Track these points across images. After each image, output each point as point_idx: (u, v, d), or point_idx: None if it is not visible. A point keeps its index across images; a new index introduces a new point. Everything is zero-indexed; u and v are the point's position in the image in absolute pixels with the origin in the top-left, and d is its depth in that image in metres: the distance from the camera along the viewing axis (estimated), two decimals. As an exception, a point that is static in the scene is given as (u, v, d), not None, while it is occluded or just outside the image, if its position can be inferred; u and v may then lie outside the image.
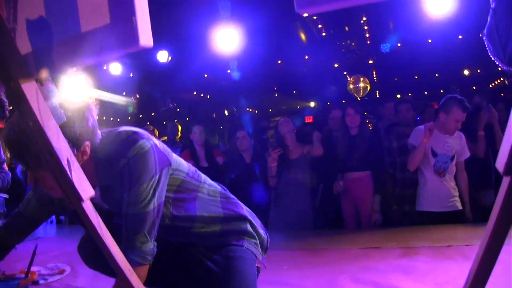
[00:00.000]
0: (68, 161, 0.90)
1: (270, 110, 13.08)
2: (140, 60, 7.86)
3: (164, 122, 9.67)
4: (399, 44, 9.26)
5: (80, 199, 0.90)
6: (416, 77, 11.14)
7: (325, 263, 2.87)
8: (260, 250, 1.89)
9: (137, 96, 10.83)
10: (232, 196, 1.95)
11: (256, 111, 12.16)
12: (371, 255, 2.97)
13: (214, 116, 12.56)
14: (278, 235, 3.02)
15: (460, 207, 3.86)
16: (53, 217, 6.55)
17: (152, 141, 1.61)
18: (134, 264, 1.47)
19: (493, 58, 1.21)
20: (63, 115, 0.98)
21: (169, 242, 1.77)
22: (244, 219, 1.90)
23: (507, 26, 1.09)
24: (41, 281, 2.71)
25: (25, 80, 0.92)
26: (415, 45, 8.83)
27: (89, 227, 0.92)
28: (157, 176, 1.58)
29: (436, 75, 10.87)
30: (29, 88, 0.91)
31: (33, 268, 2.36)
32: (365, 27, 9.10)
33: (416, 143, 3.82)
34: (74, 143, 1.41)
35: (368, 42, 9.74)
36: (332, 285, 2.37)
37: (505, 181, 0.86)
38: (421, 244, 3.13)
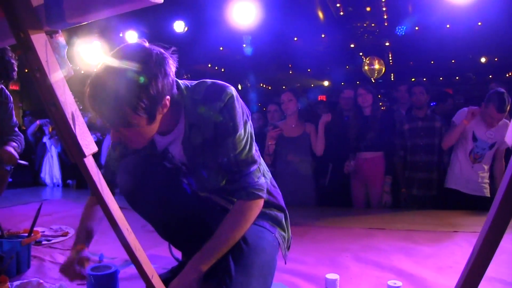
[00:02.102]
0: (72, 115, 0.89)
1: (284, 87, 13.00)
2: (156, 29, 7.82)
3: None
4: (416, 28, 9.12)
5: (82, 154, 0.90)
6: (432, 62, 10.99)
7: (327, 240, 2.88)
8: (285, 245, 1.90)
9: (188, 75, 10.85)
10: (276, 184, 1.94)
11: (270, 87, 12.14)
12: (375, 235, 2.97)
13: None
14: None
15: (488, 195, 3.82)
16: (60, 180, 6.68)
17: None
18: (255, 197, 1.59)
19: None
20: (71, 69, 0.97)
21: (214, 205, 1.78)
22: (283, 210, 1.90)
23: None
24: (44, 242, 2.76)
25: (35, 31, 0.91)
26: (433, 30, 8.70)
27: (90, 182, 0.92)
28: (249, 122, 1.63)
29: (453, 61, 10.73)
30: (38, 39, 0.90)
31: (37, 229, 2.38)
32: (384, 9, 8.96)
33: (458, 123, 3.82)
34: (156, 99, 1.38)
35: (386, 24, 9.61)
36: (333, 262, 2.38)
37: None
38: (427, 228, 3.12)
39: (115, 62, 1.30)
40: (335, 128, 4.51)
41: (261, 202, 1.64)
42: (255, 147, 1.66)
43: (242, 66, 10.79)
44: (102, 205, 0.93)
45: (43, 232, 2.96)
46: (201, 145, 1.61)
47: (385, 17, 9.20)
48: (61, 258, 2.42)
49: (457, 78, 9.73)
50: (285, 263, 1.94)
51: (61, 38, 0.97)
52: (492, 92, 3.73)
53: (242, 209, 1.60)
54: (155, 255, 2.40)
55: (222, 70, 11.74)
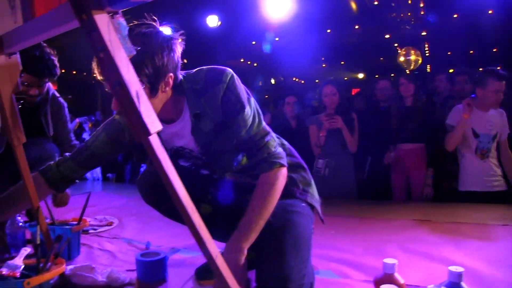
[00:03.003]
0: (137, 93, 0.89)
1: (317, 80, 12.91)
2: (190, 24, 7.86)
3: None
4: (455, 15, 8.85)
5: (147, 132, 0.90)
6: (471, 51, 10.65)
7: (372, 231, 2.84)
8: (319, 205, 1.87)
9: (185, 61, 10.89)
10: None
11: (303, 81, 12.07)
12: (421, 227, 2.90)
13: (260, 84, 12.52)
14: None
15: (506, 187, 3.67)
16: (100, 174, 6.82)
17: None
18: (277, 166, 1.61)
19: None
20: (132, 48, 0.98)
21: (238, 185, 1.79)
22: (303, 167, 1.88)
23: None
24: (91, 231, 2.83)
25: (97, 12, 0.91)
26: (473, 17, 8.40)
27: (155, 161, 0.92)
28: (252, 98, 1.66)
29: (494, 50, 10.36)
30: (101, 20, 0.91)
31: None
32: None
33: (454, 123, 3.64)
34: (160, 71, 1.44)
35: (422, 13, 9.38)
36: (380, 252, 2.33)
37: None
38: (474, 221, 3.03)
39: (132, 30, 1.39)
40: (372, 120, 4.45)
41: (283, 170, 1.64)
42: (263, 121, 1.68)
43: (275, 60, 10.74)
44: (167, 182, 0.94)
45: (89, 222, 3.03)
46: (213, 131, 1.64)
47: (421, 5, 8.97)
48: (109, 246, 2.48)
49: (498, 68, 9.40)
50: (323, 222, 1.91)
51: (121, 19, 0.98)
52: (479, 74, 3.63)
53: (267, 180, 1.61)
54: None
55: (255, 64, 11.72)
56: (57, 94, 3.00)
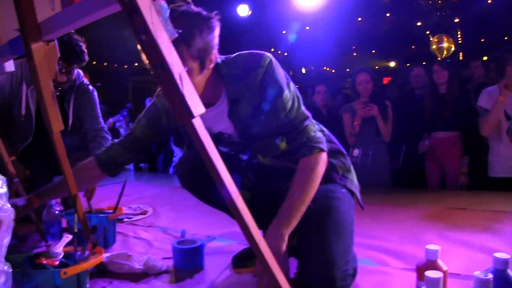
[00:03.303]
0: (180, 75, 0.88)
1: (348, 70, 12.75)
2: (220, 13, 7.84)
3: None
4: (489, 1, 8.59)
5: (191, 115, 0.89)
6: (506, 38, 10.33)
7: (408, 219, 2.79)
8: (358, 191, 1.85)
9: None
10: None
11: (333, 70, 11.97)
12: (458, 215, 2.85)
13: (291, 74, 12.45)
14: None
15: None
16: (131, 164, 6.87)
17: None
18: (317, 150, 1.60)
19: None
20: (174, 31, 0.97)
21: (277, 170, 1.77)
22: (342, 153, 1.86)
23: None
24: (126, 219, 2.86)
25: (139, -6, 0.91)
26: (508, 2, 8.15)
27: (198, 144, 0.91)
28: (291, 83, 1.66)
29: (530, 36, 10.03)
30: (143, 2, 0.90)
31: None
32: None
33: (487, 106, 3.47)
34: (207, 46, 1.48)
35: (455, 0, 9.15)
36: (418, 240, 2.29)
37: None
38: (510, 209, 2.94)
39: (175, 9, 1.42)
40: (407, 107, 4.36)
41: (323, 155, 1.63)
42: (303, 106, 1.67)
43: (305, 50, 10.65)
44: (211, 166, 0.93)
45: (124, 211, 3.07)
46: (252, 115, 1.63)
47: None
48: (144, 234, 2.50)
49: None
50: (363, 209, 1.90)
51: (163, 1, 0.97)
52: (503, 52, 3.48)
53: (307, 165, 1.60)
54: (236, 231, 2.41)
55: (285, 54, 11.63)
56: (86, 82, 2.94)
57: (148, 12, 0.89)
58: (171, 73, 0.87)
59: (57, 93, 2.72)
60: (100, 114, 2.93)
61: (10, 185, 2.04)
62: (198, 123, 0.90)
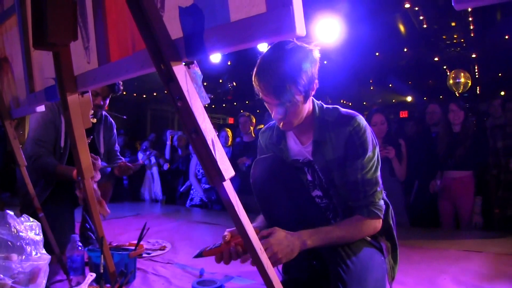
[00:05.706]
0: (212, 141, 0.95)
1: (364, 103, 12.82)
2: (239, 51, 7.98)
3: (258, 111, 9.84)
4: (506, 37, 8.64)
5: (222, 178, 0.95)
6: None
7: (423, 261, 2.80)
8: (392, 274, 1.88)
9: (234, 84, 11.10)
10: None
11: (350, 103, 11.98)
12: (473, 259, 2.84)
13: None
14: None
15: None
16: (160, 194, 6.92)
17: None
18: (374, 216, 1.72)
19: None
20: (207, 97, 1.04)
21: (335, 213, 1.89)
22: (395, 242, 1.93)
23: None
24: (145, 255, 2.89)
25: (176, 63, 0.99)
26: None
27: (227, 205, 0.97)
28: (377, 148, 1.77)
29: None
30: (179, 70, 0.98)
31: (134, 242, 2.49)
32: (470, 19, 8.56)
33: None
34: (311, 80, 1.65)
35: (472, 35, 9.20)
36: (433, 284, 2.31)
37: None
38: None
39: (281, 46, 1.59)
40: (422, 144, 4.39)
41: (378, 223, 1.75)
42: (379, 172, 1.77)
43: (323, 83, 10.73)
44: (239, 227, 0.98)
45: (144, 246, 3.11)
46: (333, 161, 1.75)
47: (472, 27, 8.82)
48: (163, 271, 2.52)
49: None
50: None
51: (197, 68, 1.04)
52: None
53: (359, 222, 1.71)
54: (254, 271, 2.44)
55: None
56: (106, 114, 3.16)
57: (184, 80, 0.97)
58: (204, 138, 0.94)
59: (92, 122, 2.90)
60: (118, 148, 3.25)
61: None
62: (228, 185, 0.96)
